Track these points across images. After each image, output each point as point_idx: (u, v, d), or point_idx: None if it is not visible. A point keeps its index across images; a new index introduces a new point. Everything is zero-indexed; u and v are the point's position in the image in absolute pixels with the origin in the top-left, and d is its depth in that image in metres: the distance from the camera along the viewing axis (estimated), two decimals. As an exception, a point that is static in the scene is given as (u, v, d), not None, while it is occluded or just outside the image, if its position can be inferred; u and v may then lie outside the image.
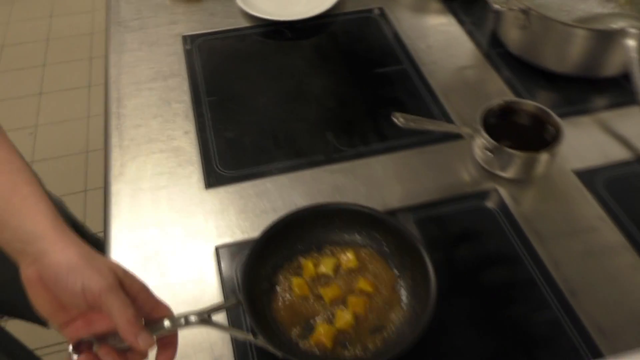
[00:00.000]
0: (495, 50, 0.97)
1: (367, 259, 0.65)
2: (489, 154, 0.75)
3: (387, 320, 0.60)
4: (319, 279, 0.64)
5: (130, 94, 0.89)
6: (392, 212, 0.72)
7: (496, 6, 0.90)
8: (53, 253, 0.48)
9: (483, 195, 0.75)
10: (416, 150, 0.80)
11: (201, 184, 0.76)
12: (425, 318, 0.56)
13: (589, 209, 0.73)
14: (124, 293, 0.48)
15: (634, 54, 0.81)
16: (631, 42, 0.81)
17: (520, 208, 0.73)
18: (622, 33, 0.82)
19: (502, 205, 0.73)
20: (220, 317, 0.60)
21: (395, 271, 0.64)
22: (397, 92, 0.89)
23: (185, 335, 0.55)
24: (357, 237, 0.66)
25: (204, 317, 0.54)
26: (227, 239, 0.69)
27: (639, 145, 0.81)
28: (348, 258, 0.65)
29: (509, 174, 0.76)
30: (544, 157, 0.73)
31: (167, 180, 0.76)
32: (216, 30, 1.02)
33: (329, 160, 0.79)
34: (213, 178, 0.76)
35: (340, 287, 0.63)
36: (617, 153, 0.80)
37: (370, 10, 1.06)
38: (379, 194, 0.74)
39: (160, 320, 0.51)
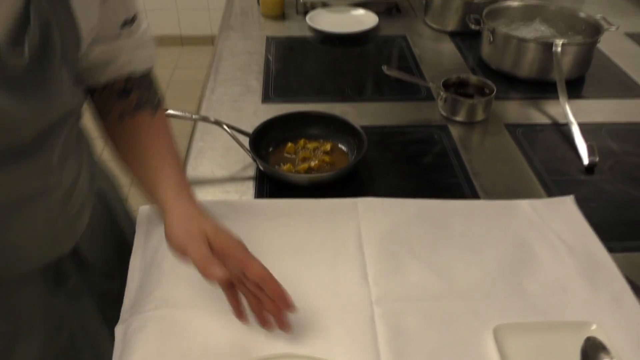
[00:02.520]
0: (476, 63, 1.38)
1: (337, 149, 1.04)
2: (445, 102, 1.14)
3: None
4: (303, 149, 1.03)
5: (226, 59, 1.38)
6: (375, 126, 1.12)
7: (472, 27, 1.33)
8: (169, 219, 0.71)
9: (438, 127, 1.13)
10: (400, 102, 1.21)
11: (260, 100, 1.20)
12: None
13: (507, 143, 1.09)
14: (204, 245, 0.66)
15: (558, 57, 1.20)
16: (558, 49, 1.20)
17: (460, 136, 1.10)
18: (554, 44, 1.21)
19: (447, 132, 1.11)
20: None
21: (350, 158, 1.02)
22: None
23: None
24: (338, 137, 1.04)
25: (231, 127, 0.99)
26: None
27: (552, 116, 1.17)
28: (325, 145, 1.04)
29: (458, 117, 1.14)
30: (480, 103, 1.12)
31: (240, 96, 1.21)
32: (289, 35, 1.50)
33: (343, 100, 1.21)
34: (267, 98, 1.21)
35: (311, 155, 1.02)
36: (536, 118, 1.17)
37: (396, 36, 1.52)
38: (369, 119, 1.15)
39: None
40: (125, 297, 0.77)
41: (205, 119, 1.00)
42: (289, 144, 1.04)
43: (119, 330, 0.73)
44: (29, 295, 0.73)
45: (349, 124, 1.04)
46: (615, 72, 1.36)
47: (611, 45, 1.45)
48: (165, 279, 0.78)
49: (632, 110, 1.20)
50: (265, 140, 1.03)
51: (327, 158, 1.01)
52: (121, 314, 0.75)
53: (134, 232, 0.86)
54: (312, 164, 1.00)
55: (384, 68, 1.13)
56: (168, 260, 0.81)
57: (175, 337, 0.70)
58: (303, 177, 0.96)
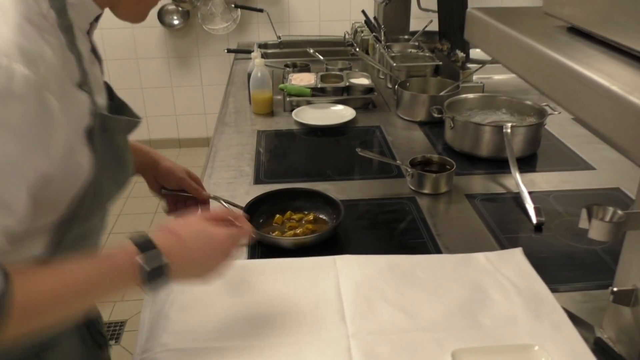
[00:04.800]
0: (442, 147, 1.58)
1: (319, 219, 1.20)
2: (412, 177, 1.32)
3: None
4: (290, 220, 1.19)
5: (222, 149, 1.57)
6: (352, 200, 1.28)
7: (436, 115, 1.53)
8: (162, 165, 1.07)
9: (407, 199, 1.30)
10: (374, 180, 1.39)
11: (251, 182, 1.37)
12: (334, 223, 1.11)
13: (467, 209, 1.26)
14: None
15: (509, 137, 1.39)
16: (508, 130, 1.40)
17: (426, 206, 1.27)
18: (504, 126, 1.41)
19: (415, 203, 1.28)
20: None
21: (330, 224, 1.18)
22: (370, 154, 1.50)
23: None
24: (319, 209, 1.21)
25: (229, 203, 1.15)
26: (259, 201, 1.28)
27: (506, 187, 1.34)
28: (309, 216, 1.21)
29: (424, 190, 1.31)
30: (442, 177, 1.29)
31: (234, 179, 1.39)
32: (277, 129, 1.71)
33: (324, 180, 1.39)
34: (258, 180, 1.38)
35: (297, 224, 1.18)
36: (492, 189, 1.34)
37: (372, 127, 1.73)
38: (347, 195, 1.32)
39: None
40: (136, 345, 0.90)
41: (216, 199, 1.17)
42: (277, 216, 1.20)
43: None
44: None
45: (327, 197, 1.21)
46: (563, 150, 1.55)
47: (560, 128, 1.66)
48: (173, 325, 0.91)
49: (576, 180, 1.38)
50: (256, 213, 1.19)
51: (310, 226, 1.17)
52: (133, 356, 0.87)
53: None
54: (298, 231, 1.15)
55: (358, 150, 1.32)
56: (175, 310, 0.94)
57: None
58: (289, 240, 1.11)
